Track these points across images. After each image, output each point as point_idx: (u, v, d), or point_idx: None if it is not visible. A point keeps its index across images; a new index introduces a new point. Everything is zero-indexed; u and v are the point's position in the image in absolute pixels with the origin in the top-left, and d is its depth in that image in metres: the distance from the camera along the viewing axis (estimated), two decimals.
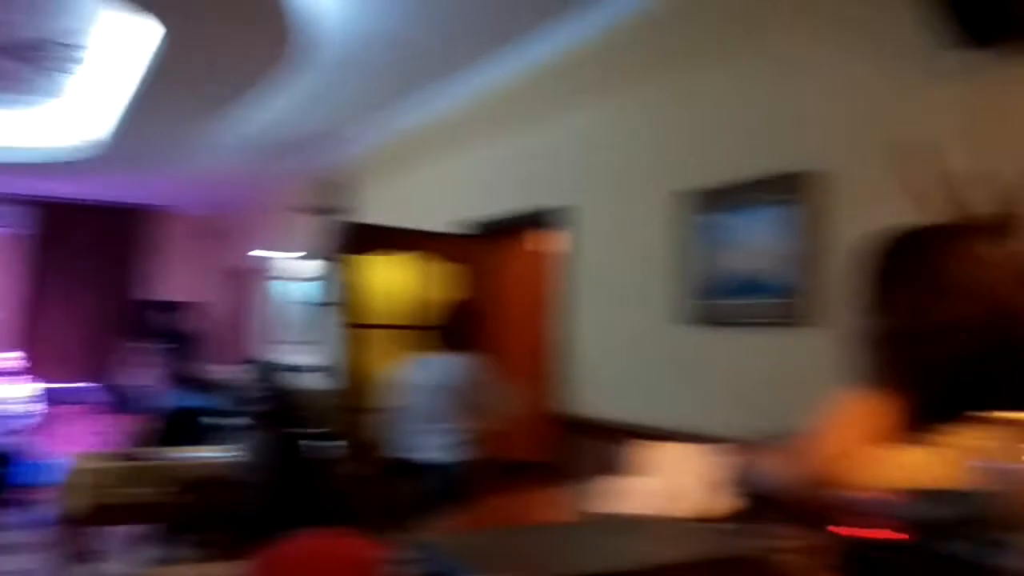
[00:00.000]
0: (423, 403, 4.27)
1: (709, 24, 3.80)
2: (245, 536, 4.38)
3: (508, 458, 4.30)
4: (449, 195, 5.78)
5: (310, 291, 8.09)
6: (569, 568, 1.18)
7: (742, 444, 1.86)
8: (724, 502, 1.69)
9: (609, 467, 3.31)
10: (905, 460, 1.15)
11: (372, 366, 4.64)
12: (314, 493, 4.59)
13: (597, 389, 4.32)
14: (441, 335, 4.44)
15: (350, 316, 4.52)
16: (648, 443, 1.97)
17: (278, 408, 4.98)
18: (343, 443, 4.88)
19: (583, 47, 4.54)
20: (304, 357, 7.97)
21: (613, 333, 4.24)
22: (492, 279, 5.27)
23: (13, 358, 8.83)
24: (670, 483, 1.68)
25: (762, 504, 1.71)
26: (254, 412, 6.40)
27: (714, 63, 3.73)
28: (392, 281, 4.72)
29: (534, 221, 4.88)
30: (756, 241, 3.37)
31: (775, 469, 1.85)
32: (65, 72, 5.98)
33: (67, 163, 7.77)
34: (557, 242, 4.69)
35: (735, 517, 1.66)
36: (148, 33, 4.72)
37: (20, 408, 8.13)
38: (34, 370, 9.12)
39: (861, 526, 1.07)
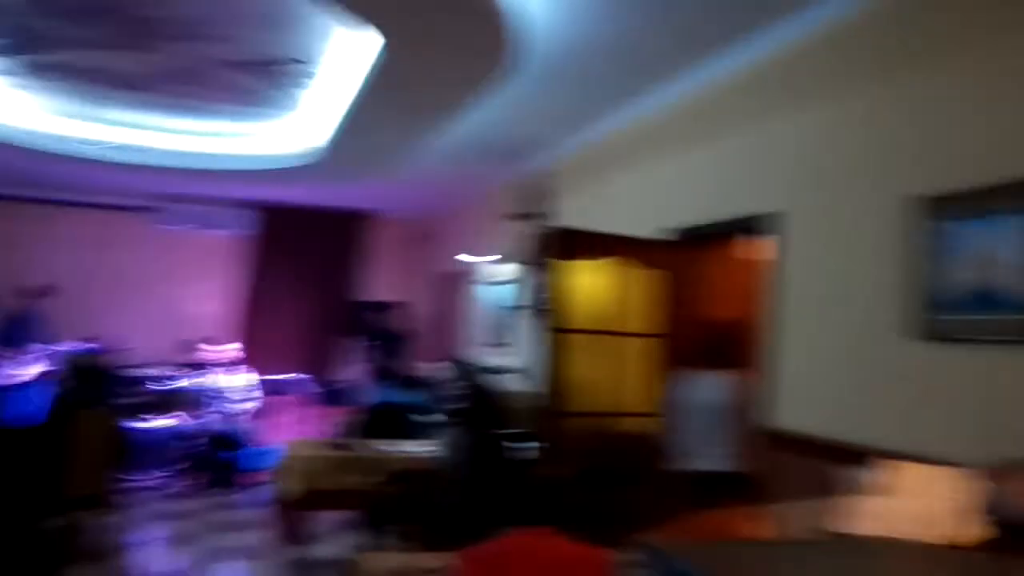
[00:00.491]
0: (693, 419, 4.73)
1: (939, 22, 3.56)
2: (443, 530, 4.52)
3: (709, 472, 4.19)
4: (652, 201, 5.70)
5: (510, 295, 8.23)
6: None
7: (992, 469, 1.71)
8: (974, 529, 1.57)
9: (817, 484, 3.17)
10: None
11: (572, 370, 4.63)
12: (511, 493, 4.66)
13: (805, 403, 4.12)
14: (706, 354, 4.87)
15: (552, 320, 4.54)
16: (890, 464, 1.85)
17: (476, 407, 5.07)
18: (539, 445, 4.92)
19: (794, 50, 4.36)
20: (502, 359, 8.13)
21: (825, 345, 4.02)
22: (697, 287, 5.15)
23: (233, 349, 9.47)
24: (916, 506, 1.57)
25: (1015, 533, 1.57)
26: (453, 410, 6.58)
27: (940, 64, 3.49)
28: (593, 286, 4.71)
29: (741, 228, 4.74)
30: (995, 251, 3.11)
31: None
32: (298, 87, 6.39)
33: (288, 170, 8.25)
34: (765, 249, 4.54)
35: (986, 546, 1.53)
36: (368, 46, 4.94)
37: (240, 397, 8.74)
38: (251, 362, 9.75)
39: None
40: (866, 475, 1.98)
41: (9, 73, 6.37)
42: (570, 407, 4.59)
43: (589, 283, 4.66)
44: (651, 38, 4.66)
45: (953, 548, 1.45)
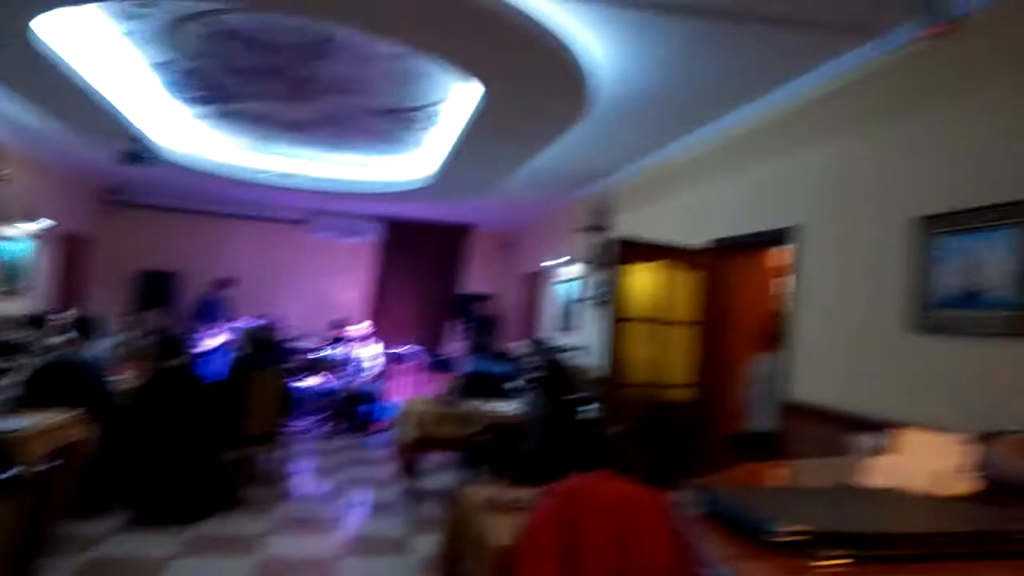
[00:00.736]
0: (754, 390, 4.82)
1: (936, 76, 3.38)
2: (525, 471, 4.50)
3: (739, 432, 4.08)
4: (694, 216, 5.57)
5: (577, 290, 8.19)
6: (849, 525, 1.06)
7: (981, 435, 1.64)
8: (967, 484, 1.48)
9: (831, 448, 3.04)
10: None
11: (629, 350, 4.56)
12: (578, 444, 4.61)
13: (821, 380, 3.97)
14: (759, 339, 4.91)
15: (614, 311, 4.47)
16: (896, 430, 1.76)
17: (550, 377, 5.02)
18: (599, 407, 4.86)
19: (817, 94, 4.21)
20: (570, 339, 8.08)
21: (838, 334, 3.87)
22: (730, 286, 5.03)
23: (365, 327, 9.62)
24: (919, 464, 1.49)
25: (1000, 487, 1.51)
26: (532, 378, 6.56)
27: (939, 109, 3.32)
28: (646, 284, 4.64)
29: (767, 239, 4.60)
30: (979, 260, 2.94)
31: (1011, 457, 1.63)
32: (422, 129, 6.44)
33: (407, 192, 8.34)
34: (787, 256, 4.40)
35: (977, 497, 1.45)
36: (473, 95, 4.95)
37: (370, 363, 8.88)
38: (378, 336, 9.89)
39: None
40: (875, 440, 1.89)
41: (205, 118, 6.59)
42: (626, 379, 4.52)
43: (643, 282, 4.59)
44: (698, 86, 4.56)
45: (950, 499, 1.37)
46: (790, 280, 4.27)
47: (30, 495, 2.04)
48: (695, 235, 5.19)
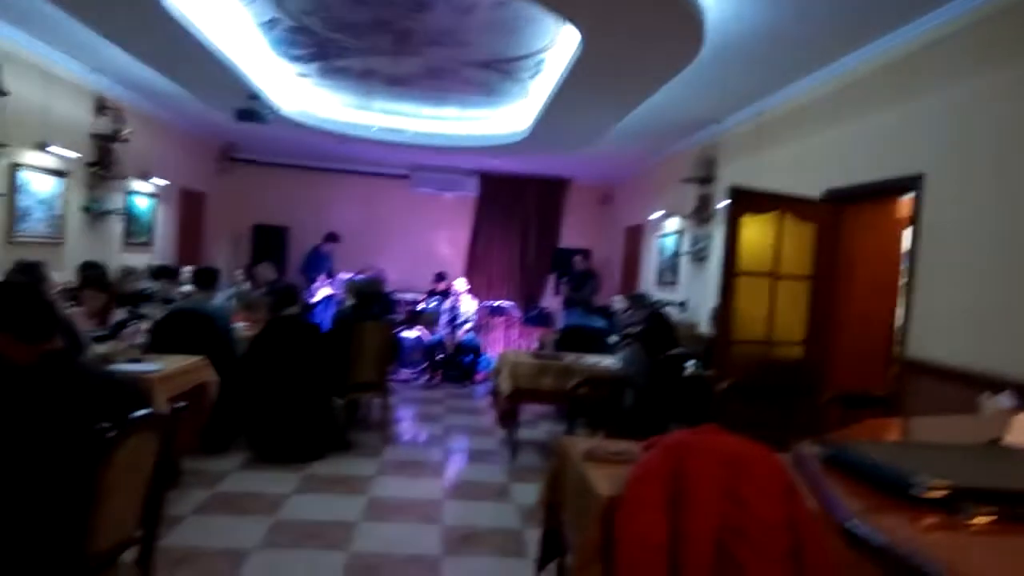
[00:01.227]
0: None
1: None
2: (623, 425, 4.50)
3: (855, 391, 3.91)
4: (806, 166, 5.31)
5: (679, 244, 8.01)
6: (994, 482, 1.00)
7: None
8: None
9: (954, 406, 2.87)
10: None
11: (737, 305, 4.42)
12: (679, 399, 4.56)
13: (942, 338, 3.74)
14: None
15: (725, 265, 4.34)
16: None
17: (650, 331, 4.97)
18: (705, 363, 4.78)
19: (946, 30, 3.88)
20: (669, 294, 7.96)
21: (962, 287, 3.63)
22: (846, 239, 4.78)
23: (463, 281, 9.76)
24: None
25: None
26: (631, 333, 6.51)
27: None
28: (757, 237, 4.45)
29: (884, 188, 4.33)
30: None
31: None
32: (524, 80, 6.38)
33: (505, 146, 8.33)
34: (906, 206, 4.13)
35: None
36: (571, 41, 4.83)
37: (467, 316, 9.03)
38: (476, 291, 10.04)
39: None
40: (1011, 399, 1.77)
41: (309, 76, 6.77)
42: (735, 335, 4.40)
43: (753, 234, 4.41)
44: (812, 25, 4.29)
45: None
46: (911, 231, 4.01)
47: (163, 432, 2.21)
48: (805, 186, 4.94)
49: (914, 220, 4.00)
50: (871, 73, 4.58)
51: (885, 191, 4.40)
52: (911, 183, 4.03)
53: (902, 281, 4.06)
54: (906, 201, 4.31)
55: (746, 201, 4.37)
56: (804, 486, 1.29)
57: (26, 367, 2.02)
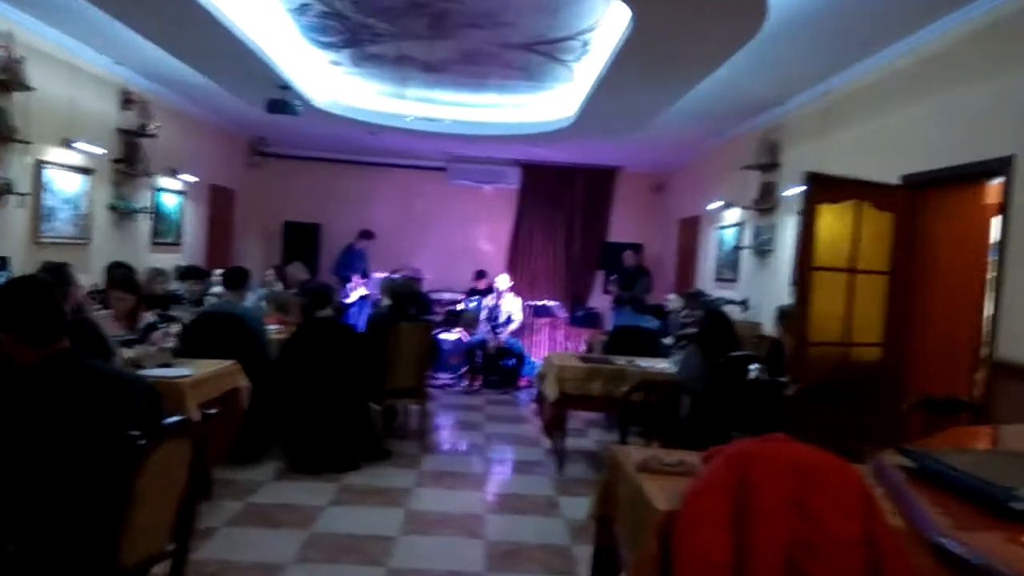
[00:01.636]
0: None
1: None
2: (680, 434, 4.44)
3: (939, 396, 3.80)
4: (879, 149, 5.17)
5: (737, 237, 7.89)
6: None
7: None
8: None
9: None
10: None
11: (811, 303, 4.32)
12: (741, 406, 4.49)
13: None
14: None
15: (796, 259, 4.24)
16: None
17: (709, 332, 4.90)
18: (771, 366, 4.69)
19: None
20: (730, 292, 7.85)
21: None
22: (927, 228, 4.64)
23: (505, 279, 9.77)
24: None
25: None
26: (688, 334, 6.44)
27: None
28: (831, 228, 4.34)
29: (969, 173, 4.20)
30: None
31: None
32: (569, 62, 6.35)
33: (548, 133, 8.29)
34: (994, 192, 3.99)
35: None
36: (622, 20, 4.78)
37: (509, 317, 9.03)
38: (518, 289, 10.03)
39: None
40: None
41: (342, 63, 6.85)
42: (807, 335, 4.31)
43: (825, 225, 4.31)
44: None
45: None
46: (1000, 219, 3.88)
47: (194, 440, 2.26)
48: (878, 172, 4.81)
49: (1003, 207, 3.87)
50: (956, 44, 4.43)
51: (971, 175, 4.26)
52: (1000, 166, 3.90)
53: (990, 275, 3.92)
54: (994, 186, 4.17)
55: (823, 188, 4.26)
56: (886, 499, 1.25)
57: (28, 369, 2.04)
